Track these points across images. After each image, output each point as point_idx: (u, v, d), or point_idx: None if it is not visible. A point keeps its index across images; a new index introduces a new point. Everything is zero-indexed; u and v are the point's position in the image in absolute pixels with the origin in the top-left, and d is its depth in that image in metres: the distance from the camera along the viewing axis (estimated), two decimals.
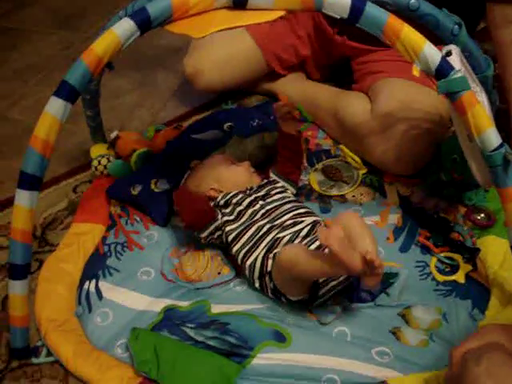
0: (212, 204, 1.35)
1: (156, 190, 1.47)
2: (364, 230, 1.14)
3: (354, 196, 1.49)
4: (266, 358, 1.13)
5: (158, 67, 2.16)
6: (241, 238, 1.28)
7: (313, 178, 1.54)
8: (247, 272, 1.26)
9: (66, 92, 1.05)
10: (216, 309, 1.24)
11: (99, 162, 1.57)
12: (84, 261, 1.39)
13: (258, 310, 1.23)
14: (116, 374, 1.14)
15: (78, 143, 1.78)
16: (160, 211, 1.45)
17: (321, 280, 1.16)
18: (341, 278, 1.18)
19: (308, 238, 1.22)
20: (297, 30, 1.75)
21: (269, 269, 1.21)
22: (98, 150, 1.60)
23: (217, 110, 1.72)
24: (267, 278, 1.22)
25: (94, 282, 1.33)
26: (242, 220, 1.30)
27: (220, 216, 1.31)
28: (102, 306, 1.28)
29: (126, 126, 1.86)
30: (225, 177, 1.38)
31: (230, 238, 1.29)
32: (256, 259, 1.23)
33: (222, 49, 1.73)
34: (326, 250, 1.08)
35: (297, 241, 1.22)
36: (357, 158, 1.54)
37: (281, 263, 1.15)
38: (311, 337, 1.17)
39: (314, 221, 1.27)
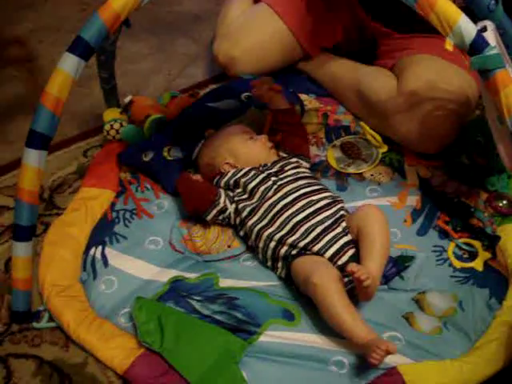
0: (221, 182, 1.32)
1: (168, 158, 1.44)
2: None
3: (372, 175, 1.45)
4: (273, 336, 1.10)
5: (176, 34, 2.11)
6: (255, 214, 1.25)
7: (330, 155, 1.49)
8: (260, 250, 1.23)
9: (81, 48, 1.01)
10: (224, 283, 1.21)
11: (111, 127, 1.53)
12: (91, 226, 1.35)
13: (267, 287, 1.20)
14: (118, 344, 1.12)
15: (91, 106, 1.74)
16: (172, 180, 1.40)
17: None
18: None
19: (333, 231, 1.19)
20: (332, 17, 1.70)
21: (281, 254, 1.19)
22: (110, 114, 1.56)
23: (234, 79, 1.67)
24: (280, 263, 1.20)
25: (100, 248, 1.30)
26: (255, 198, 1.27)
27: (222, 199, 1.28)
28: (107, 273, 1.25)
29: (140, 91, 1.82)
30: (242, 152, 1.35)
31: (244, 213, 1.26)
32: (270, 239, 1.21)
33: (255, 36, 1.69)
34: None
35: (318, 229, 1.19)
36: (377, 136, 1.49)
37: (308, 286, 1.10)
38: (320, 318, 1.13)
39: (331, 202, 1.24)
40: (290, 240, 1.18)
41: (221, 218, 1.30)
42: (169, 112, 1.57)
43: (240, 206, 1.27)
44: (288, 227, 1.20)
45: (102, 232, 1.33)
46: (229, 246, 1.29)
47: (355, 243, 1.17)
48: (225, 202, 1.29)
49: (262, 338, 1.10)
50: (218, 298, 1.16)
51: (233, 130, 1.40)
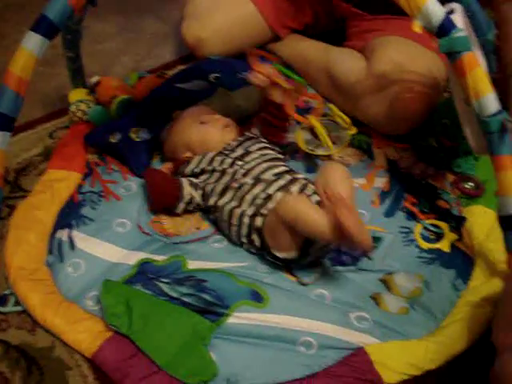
0: (187, 169, 1.33)
1: (136, 139, 1.41)
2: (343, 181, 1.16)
3: (340, 157, 1.45)
4: (241, 318, 1.10)
5: (145, 13, 2.08)
6: (224, 195, 1.25)
7: (299, 136, 1.48)
8: (234, 228, 1.22)
9: (44, 27, 1.00)
10: (193, 265, 1.20)
11: (78, 108, 1.50)
12: (57, 209, 1.33)
13: (236, 269, 1.19)
14: (85, 327, 1.11)
15: (57, 87, 1.71)
16: (139, 161, 1.39)
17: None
18: None
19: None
20: None
21: (258, 225, 1.17)
22: (77, 95, 1.53)
23: (202, 60, 1.65)
24: (255, 235, 1.18)
25: (67, 231, 1.28)
26: (223, 180, 1.27)
27: (186, 191, 1.28)
28: (74, 256, 1.23)
29: (107, 72, 1.78)
30: (195, 141, 1.34)
31: (214, 196, 1.26)
32: (243, 215, 1.20)
33: (223, 16, 1.68)
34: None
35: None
36: (346, 118, 1.49)
37: (285, 211, 1.11)
38: (289, 298, 1.14)
39: (297, 178, 1.24)
40: (265, 211, 1.18)
41: (191, 207, 1.30)
42: (136, 93, 1.54)
43: (207, 188, 1.27)
44: (260, 201, 1.20)
45: (69, 215, 1.31)
46: (197, 228, 1.28)
47: None
48: (190, 192, 1.28)
49: (230, 320, 1.10)
50: (187, 280, 1.16)
51: (183, 119, 1.39)
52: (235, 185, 1.24)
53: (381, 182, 1.39)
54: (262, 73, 1.29)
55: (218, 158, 1.30)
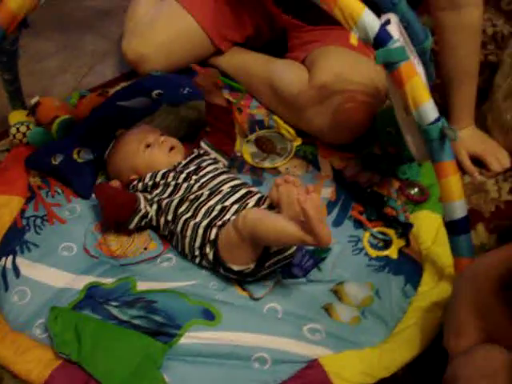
0: (138, 186, 1.31)
1: (79, 161, 1.39)
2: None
3: (287, 168, 1.45)
4: (193, 337, 1.09)
5: (85, 30, 2.05)
6: (180, 206, 1.23)
7: (245, 150, 1.49)
8: (187, 240, 1.20)
9: None
10: (142, 286, 1.18)
11: (18, 130, 1.47)
12: (0, 235, 1.29)
13: (185, 287, 1.18)
14: (34, 357, 1.08)
15: None
16: (83, 182, 1.37)
17: (271, 251, 1.13)
18: (288, 252, 1.16)
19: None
20: (241, 10, 1.70)
21: (212, 237, 1.16)
22: (16, 117, 1.50)
23: (144, 76, 1.64)
24: (208, 247, 1.17)
25: (10, 258, 1.24)
26: (179, 194, 1.25)
27: (143, 205, 1.25)
28: (19, 283, 1.20)
29: (48, 91, 1.76)
30: (141, 165, 1.33)
31: (171, 209, 1.24)
32: (198, 226, 1.18)
33: (163, 31, 1.67)
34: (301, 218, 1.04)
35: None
36: (291, 130, 1.50)
37: (244, 222, 1.09)
38: (241, 314, 1.14)
39: (253, 191, 1.24)
40: (220, 222, 1.17)
41: (143, 223, 1.27)
42: (78, 112, 1.52)
43: (162, 203, 1.25)
44: (215, 213, 1.19)
45: (12, 241, 1.28)
46: (145, 249, 1.26)
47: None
48: (145, 206, 1.26)
49: (182, 340, 1.08)
50: (136, 302, 1.14)
51: (128, 142, 1.36)
52: (191, 196, 1.23)
53: (327, 192, 1.39)
54: (208, 75, 1.32)
55: (171, 174, 1.29)
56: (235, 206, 1.19)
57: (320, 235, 1.02)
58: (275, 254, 1.15)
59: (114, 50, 1.95)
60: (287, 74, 1.52)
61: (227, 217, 1.18)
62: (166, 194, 1.26)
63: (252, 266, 1.14)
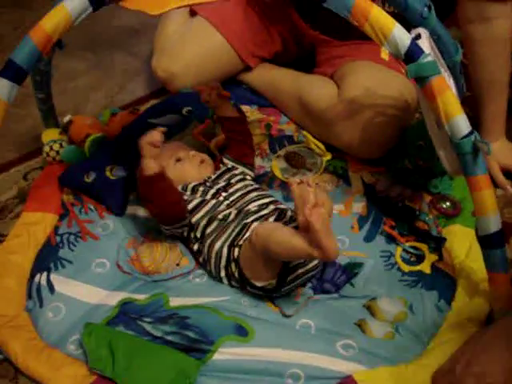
0: None
1: (111, 178, 1.40)
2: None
3: (317, 183, 1.45)
4: (227, 353, 1.09)
5: (115, 49, 2.08)
6: (207, 228, 1.23)
7: (275, 165, 1.49)
8: (213, 260, 1.21)
9: (12, 72, 0.98)
10: (174, 302, 1.19)
11: (51, 148, 1.49)
12: (35, 252, 1.31)
13: (218, 303, 1.18)
14: (69, 373, 1.09)
15: (29, 128, 1.70)
16: (116, 199, 1.38)
17: (290, 265, 1.13)
18: (309, 265, 1.15)
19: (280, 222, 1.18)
20: (269, 27, 1.71)
21: (235, 255, 1.16)
22: (49, 135, 1.52)
23: (174, 94, 1.65)
24: (233, 265, 1.17)
25: (45, 274, 1.26)
26: (207, 208, 1.25)
27: (188, 214, 1.25)
28: (53, 300, 1.21)
29: (80, 109, 1.78)
30: (172, 178, 1.30)
31: (197, 227, 1.24)
32: (222, 246, 1.19)
33: (193, 49, 1.68)
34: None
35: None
36: (320, 145, 1.50)
37: (256, 238, 1.09)
38: (274, 330, 1.13)
39: (280, 208, 1.24)
40: (241, 241, 1.17)
41: (180, 229, 1.27)
42: (109, 130, 1.54)
43: (193, 219, 1.25)
44: (238, 230, 1.19)
45: (47, 257, 1.29)
46: (177, 265, 1.27)
47: None
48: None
49: (215, 356, 1.08)
50: (170, 318, 1.14)
51: (159, 157, 1.33)
52: (219, 216, 1.23)
53: (358, 206, 1.39)
54: (209, 87, 1.32)
55: (201, 188, 1.29)
56: (255, 224, 1.19)
57: (327, 248, 1.00)
58: (295, 267, 1.14)
59: (144, 68, 1.97)
60: (316, 88, 1.53)
61: (247, 234, 1.17)
62: (195, 211, 1.26)
63: (274, 281, 1.14)
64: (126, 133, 1.50)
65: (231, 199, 1.26)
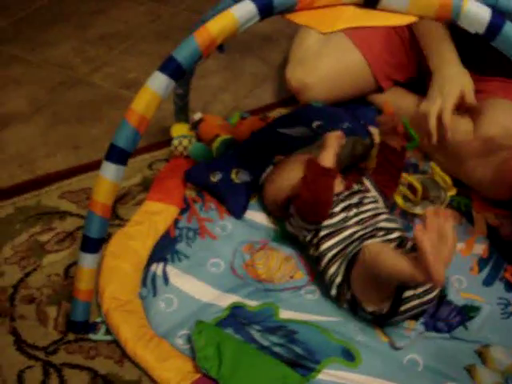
0: None
1: (236, 181, 1.42)
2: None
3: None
4: (331, 375, 1.08)
5: (246, 53, 2.11)
6: (331, 239, 1.22)
7: (397, 192, 1.46)
8: (328, 277, 1.20)
9: (172, 68, 1.01)
10: (284, 314, 1.19)
11: (180, 142, 1.53)
12: (153, 241, 1.35)
13: (328, 323, 1.18)
14: (174, 366, 1.11)
15: (158, 119, 1.73)
16: (237, 203, 1.40)
17: (404, 295, 1.10)
18: (424, 298, 1.12)
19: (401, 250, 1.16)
20: (408, 51, 1.69)
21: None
22: (179, 130, 1.56)
23: (305, 106, 1.66)
24: (346, 286, 1.16)
25: (161, 265, 1.29)
26: (335, 220, 1.24)
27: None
28: (167, 291, 1.24)
29: (208, 108, 1.82)
30: None
31: (321, 235, 1.23)
32: (340, 266, 1.18)
33: (330, 63, 1.68)
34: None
35: None
36: (447, 178, 1.46)
37: (364, 257, 1.09)
38: (381, 360, 1.12)
39: (403, 237, 1.21)
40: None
41: (306, 233, 1.26)
42: (238, 133, 1.56)
43: (322, 225, 1.24)
44: (356, 250, 1.17)
45: (165, 249, 1.33)
46: (291, 277, 1.27)
47: None
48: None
49: (319, 376, 1.08)
50: (278, 329, 1.15)
51: (294, 163, 1.35)
52: (346, 232, 1.22)
53: (480, 248, 1.35)
54: (392, 118, 1.29)
55: (335, 199, 1.27)
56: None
57: (433, 273, 0.97)
58: (410, 298, 1.11)
59: (273, 75, 1.99)
60: (452, 122, 1.49)
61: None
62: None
63: (384, 308, 1.11)
64: (254, 138, 1.52)
65: (361, 217, 1.24)
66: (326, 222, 1.24)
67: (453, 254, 1.02)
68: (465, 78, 1.43)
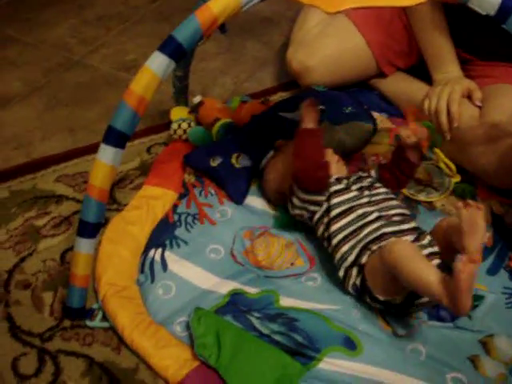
0: None
1: (236, 166, 1.40)
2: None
3: (443, 205, 1.39)
4: (332, 364, 1.06)
5: (247, 35, 2.08)
6: (343, 218, 1.19)
7: None
8: (339, 256, 1.17)
9: (172, 48, 0.99)
10: (285, 302, 1.17)
11: (179, 126, 1.50)
12: (151, 226, 1.33)
13: (329, 311, 1.15)
14: (172, 353, 1.09)
15: (156, 102, 1.69)
16: (238, 188, 1.38)
17: None
18: None
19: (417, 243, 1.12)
20: (411, 39, 1.65)
21: (362, 261, 1.12)
22: (179, 113, 1.53)
23: (308, 90, 1.63)
24: (354, 270, 1.14)
25: (160, 250, 1.27)
26: (347, 196, 1.21)
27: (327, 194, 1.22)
28: (165, 277, 1.22)
29: (207, 91, 1.79)
30: None
31: (333, 213, 1.19)
32: (353, 248, 1.15)
33: (331, 46, 1.66)
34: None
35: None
36: (451, 165, 1.44)
37: (389, 256, 1.05)
38: (383, 349, 1.10)
39: (420, 230, 1.17)
40: (375, 247, 1.12)
41: (309, 208, 1.23)
42: (238, 117, 1.53)
43: (333, 201, 1.20)
44: (375, 236, 1.14)
45: (163, 234, 1.30)
46: (292, 264, 1.25)
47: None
48: (330, 189, 1.22)
49: (320, 365, 1.06)
50: (278, 317, 1.13)
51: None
52: (359, 211, 1.19)
53: (484, 236, 1.32)
54: (415, 133, 1.23)
55: (344, 181, 1.25)
56: (393, 238, 1.14)
57: (461, 306, 0.96)
58: None
59: (274, 58, 1.96)
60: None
61: (383, 243, 1.12)
62: (340, 187, 1.23)
63: (398, 299, 1.09)
64: (255, 122, 1.49)
65: (374, 198, 1.21)
66: (338, 199, 1.21)
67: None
68: (466, 80, 1.46)
